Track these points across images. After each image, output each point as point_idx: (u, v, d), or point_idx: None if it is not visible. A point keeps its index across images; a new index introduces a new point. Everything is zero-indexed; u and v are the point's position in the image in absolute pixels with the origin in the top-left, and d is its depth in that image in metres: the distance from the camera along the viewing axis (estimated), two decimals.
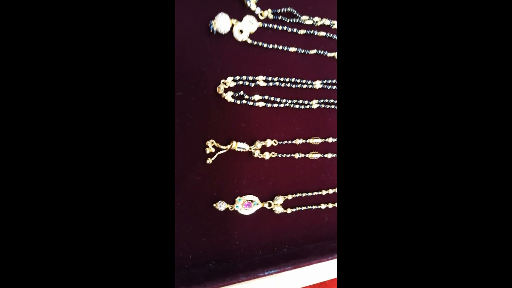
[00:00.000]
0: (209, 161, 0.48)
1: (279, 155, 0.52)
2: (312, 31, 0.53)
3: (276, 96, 0.51)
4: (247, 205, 0.50)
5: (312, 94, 0.54)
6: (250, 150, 0.50)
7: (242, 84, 0.50)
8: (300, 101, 0.52)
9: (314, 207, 0.54)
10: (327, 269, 0.53)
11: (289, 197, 0.53)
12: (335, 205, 0.56)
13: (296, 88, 0.52)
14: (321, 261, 0.52)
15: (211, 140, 0.49)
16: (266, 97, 0.51)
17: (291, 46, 0.52)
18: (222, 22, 0.47)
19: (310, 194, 0.54)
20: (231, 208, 0.50)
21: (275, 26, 0.50)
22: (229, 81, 0.49)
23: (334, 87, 0.54)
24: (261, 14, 0.49)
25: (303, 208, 0.54)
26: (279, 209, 0.52)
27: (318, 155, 0.54)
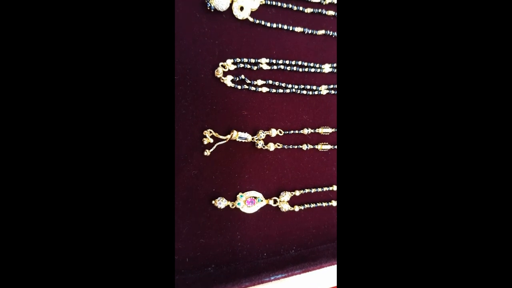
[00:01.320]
0: (207, 153, 0.46)
1: (285, 146, 0.50)
2: (320, 10, 0.51)
3: (281, 81, 0.49)
4: (250, 202, 0.48)
5: (321, 78, 0.51)
6: (252, 141, 0.48)
7: (243, 67, 0.48)
8: (308, 87, 0.50)
9: (324, 204, 0.52)
10: None
11: (297, 193, 0.50)
12: None
13: (303, 72, 0.50)
14: (332, 264, 0.50)
15: (209, 130, 0.46)
16: (270, 81, 0.49)
17: (297, 26, 0.50)
18: None
19: (319, 189, 0.52)
20: (232, 206, 0.48)
21: (279, 4, 0.49)
22: (229, 64, 0.47)
23: None
24: None
25: (312, 205, 0.51)
26: (285, 207, 0.49)
27: (328, 147, 0.51)
